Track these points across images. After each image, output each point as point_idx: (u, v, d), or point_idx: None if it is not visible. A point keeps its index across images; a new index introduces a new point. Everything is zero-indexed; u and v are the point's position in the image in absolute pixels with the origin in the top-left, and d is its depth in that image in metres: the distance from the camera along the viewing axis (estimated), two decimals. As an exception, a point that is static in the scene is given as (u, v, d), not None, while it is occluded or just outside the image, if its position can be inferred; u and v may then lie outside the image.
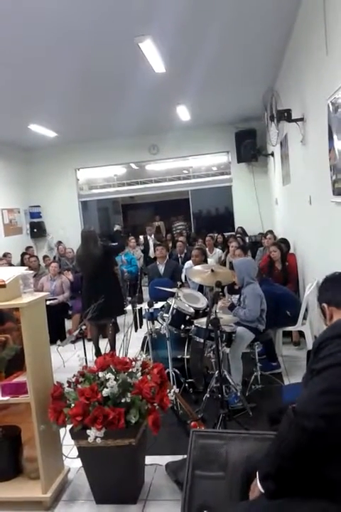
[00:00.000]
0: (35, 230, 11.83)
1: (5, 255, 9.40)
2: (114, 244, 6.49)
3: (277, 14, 4.93)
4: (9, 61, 5.53)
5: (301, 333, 5.46)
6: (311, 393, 1.49)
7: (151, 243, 10.49)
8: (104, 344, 5.61)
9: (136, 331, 5.66)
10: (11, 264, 8.71)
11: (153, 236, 10.72)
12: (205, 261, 6.09)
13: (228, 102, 8.75)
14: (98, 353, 5.56)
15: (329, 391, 1.44)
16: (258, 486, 1.64)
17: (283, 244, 6.37)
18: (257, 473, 1.67)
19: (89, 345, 5.51)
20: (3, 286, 2.77)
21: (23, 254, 10.29)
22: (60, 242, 11.01)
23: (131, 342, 4.01)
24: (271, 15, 4.95)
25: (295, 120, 5.10)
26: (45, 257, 10.58)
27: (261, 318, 4.42)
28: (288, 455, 1.50)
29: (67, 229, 11.39)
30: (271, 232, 8.15)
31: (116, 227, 6.46)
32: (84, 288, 5.94)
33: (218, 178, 11.91)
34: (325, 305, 1.90)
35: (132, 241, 9.80)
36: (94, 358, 4.53)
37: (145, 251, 10.35)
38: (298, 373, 4.78)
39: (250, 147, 10.27)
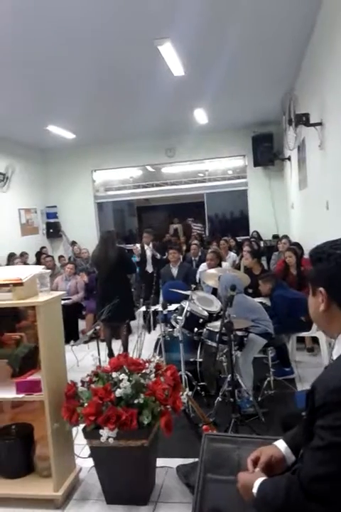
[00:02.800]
0: (51, 231, 11.94)
1: (22, 255, 9.51)
2: (129, 248, 6.58)
3: (297, 16, 4.90)
4: (28, 63, 5.61)
5: (315, 339, 5.41)
6: (321, 471, 1.32)
7: (149, 254, 8.06)
8: (117, 345, 5.64)
9: (149, 332, 5.68)
10: (26, 264, 8.80)
11: (151, 245, 8.23)
12: (220, 265, 6.08)
13: (246, 106, 8.73)
14: (111, 354, 5.59)
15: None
16: (252, 494, 1.57)
17: (298, 249, 6.32)
18: (254, 489, 1.59)
19: (103, 346, 5.54)
20: (21, 284, 2.80)
21: (38, 254, 10.41)
22: (74, 242, 11.10)
23: (144, 344, 4.02)
24: (290, 17, 4.92)
25: (314, 124, 5.07)
26: (60, 257, 10.67)
27: (264, 321, 4.37)
28: None
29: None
30: (286, 237, 8.09)
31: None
32: (98, 288, 5.98)
33: (234, 182, 11.88)
34: (322, 290, 1.49)
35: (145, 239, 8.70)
36: (107, 358, 4.55)
37: (142, 262, 7.92)
38: (312, 380, 4.73)
39: (267, 151, 10.23)
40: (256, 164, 10.65)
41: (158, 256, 8.12)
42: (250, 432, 3.41)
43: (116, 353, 5.17)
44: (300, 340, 5.56)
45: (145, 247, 8.06)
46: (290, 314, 4.90)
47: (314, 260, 1.57)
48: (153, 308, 4.68)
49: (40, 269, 3.21)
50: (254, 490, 1.54)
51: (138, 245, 8.11)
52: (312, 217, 6.34)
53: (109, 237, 5.73)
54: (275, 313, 4.87)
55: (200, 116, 9.12)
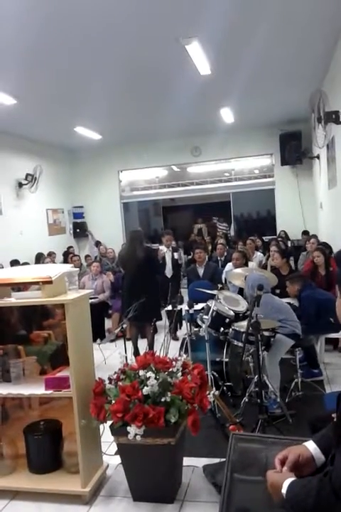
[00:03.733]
0: (77, 230, 12.09)
1: (50, 254, 9.67)
2: (154, 247, 6.58)
3: (326, 14, 4.83)
4: (56, 66, 5.69)
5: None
6: None
7: (168, 257, 7.34)
8: (143, 344, 5.66)
9: (174, 337, 5.62)
10: (54, 263, 8.93)
11: (171, 248, 7.53)
12: (246, 264, 6.03)
13: (273, 104, 8.64)
14: (137, 352, 5.60)
15: None
16: (281, 494, 1.55)
17: (326, 249, 6.21)
18: (284, 489, 1.57)
19: (129, 345, 5.56)
20: (50, 282, 2.83)
21: (65, 254, 10.56)
22: (99, 243, 11.21)
23: (170, 343, 4.02)
24: (319, 15, 4.85)
25: (343, 122, 4.98)
26: (86, 256, 10.80)
27: (291, 321, 4.30)
28: None
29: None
30: (314, 236, 7.97)
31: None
32: (125, 287, 6.00)
33: (260, 181, 11.77)
34: None
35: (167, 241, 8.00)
36: (133, 357, 4.57)
37: (162, 265, 7.13)
38: (341, 382, 4.67)
39: (295, 149, 10.09)
40: (283, 163, 10.52)
41: (180, 261, 7.79)
42: (277, 433, 3.37)
43: (141, 352, 5.18)
44: (329, 341, 5.46)
45: (165, 250, 7.45)
46: (319, 315, 4.82)
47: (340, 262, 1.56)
48: (179, 306, 4.67)
49: (68, 267, 3.24)
50: (283, 490, 1.53)
51: (162, 248, 7.49)
52: (341, 216, 6.23)
53: (137, 236, 5.75)
54: (303, 314, 4.79)
55: (227, 115, 9.07)
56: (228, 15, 4.59)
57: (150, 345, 5.59)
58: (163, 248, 7.50)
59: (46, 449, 3.28)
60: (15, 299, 3.06)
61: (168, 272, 7.35)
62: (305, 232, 10.12)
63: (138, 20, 4.66)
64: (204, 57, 5.62)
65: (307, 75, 6.93)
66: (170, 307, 4.95)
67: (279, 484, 1.54)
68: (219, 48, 5.46)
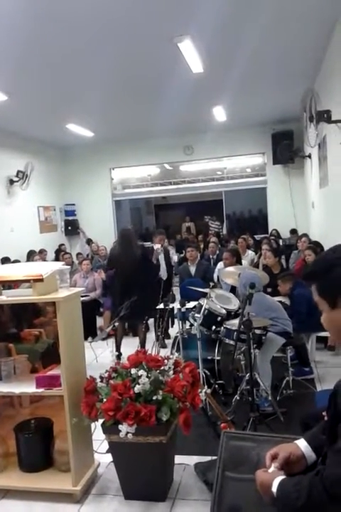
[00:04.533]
0: (69, 228, 12.05)
1: (41, 251, 9.61)
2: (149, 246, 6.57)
3: (318, 13, 4.84)
4: (49, 63, 5.66)
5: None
6: None
7: (161, 258, 6.77)
8: (134, 342, 5.64)
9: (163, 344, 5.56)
10: (44, 261, 8.88)
11: (162, 248, 6.92)
12: (239, 262, 6.03)
13: (265, 103, 8.66)
14: (119, 352, 5.50)
15: None
16: (271, 492, 1.55)
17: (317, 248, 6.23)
18: (274, 488, 1.57)
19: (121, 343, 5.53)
20: (41, 280, 2.82)
21: (57, 251, 10.51)
22: (90, 241, 11.17)
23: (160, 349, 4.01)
24: (311, 14, 4.87)
25: (335, 121, 5.00)
26: (78, 254, 10.75)
27: (283, 320, 4.32)
28: None
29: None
30: (305, 235, 8.00)
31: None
32: (116, 286, 5.94)
33: (253, 180, 11.81)
34: None
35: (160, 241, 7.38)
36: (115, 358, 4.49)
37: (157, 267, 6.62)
38: (332, 380, 4.67)
39: (287, 148, 10.12)
40: (275, 162, 10.57)
41: (174, 262, 7.63)
42: (268, 431, 3.38)
43: (130, 351, 5.14)
44: (320, 339, 5.49)
45: (160, 249, 6.79)
46: (310, 313, 4.83)
47: (323, 272, 1.49)
48: (171, 305, 4.67)
49: (60, 265, 3.23)
50: (273, 489, 1.53)
51: (156, 246, 6.84)
52: (333, 215, 6.25)
53: (130, 234, 5.72)
54: (294, 312, 4.81)
55: (219, 113, 9.08)
56: (220, 13, 4.59)
57: (142, 344, 5.57)
58: (158, 247, 6.92)
59: (37, 447, 3.27)
60: (6, 297, 3.04)
61: (163, 272, 6.84)
62: (294, 231, 10.16)
63: (130, 18, 4.64)
64: (197, 55, 5.62)
65: (299, 74, 6.95)
66: (161, 305, 4.93)
67: (269, 483, 1.54)
68: (211, 46, 5.46)
